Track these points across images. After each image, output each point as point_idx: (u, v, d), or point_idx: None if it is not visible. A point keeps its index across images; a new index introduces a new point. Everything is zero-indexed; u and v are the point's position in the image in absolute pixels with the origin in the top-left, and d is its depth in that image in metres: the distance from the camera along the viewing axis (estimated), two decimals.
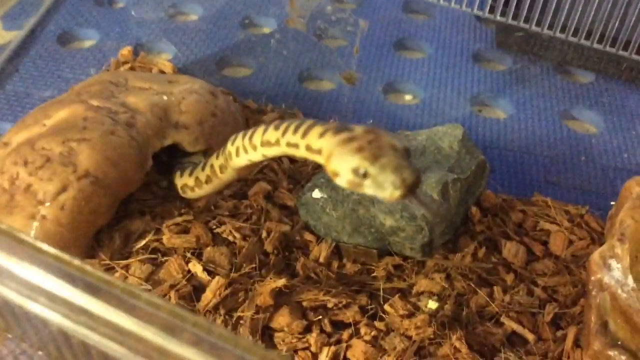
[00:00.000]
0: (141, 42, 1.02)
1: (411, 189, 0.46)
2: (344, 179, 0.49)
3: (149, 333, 0.24)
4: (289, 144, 0.55)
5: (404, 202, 0.66)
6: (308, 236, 0.70)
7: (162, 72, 0.94)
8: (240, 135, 0.60)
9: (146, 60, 0.95)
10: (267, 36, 1.08)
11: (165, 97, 0.72)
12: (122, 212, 0.68)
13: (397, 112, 0.95)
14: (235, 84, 0.97)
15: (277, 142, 0.56)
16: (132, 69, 0.94)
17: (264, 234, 0.68)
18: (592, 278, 0.58)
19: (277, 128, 0.56)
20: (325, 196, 0.70)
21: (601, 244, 0.64)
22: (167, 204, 0.70)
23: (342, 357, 0.57)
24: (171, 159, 0.74)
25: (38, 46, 1.01)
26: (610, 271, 0.58)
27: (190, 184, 0.67)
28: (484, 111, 0.98)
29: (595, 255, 0.59)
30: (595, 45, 0.94)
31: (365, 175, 0.47)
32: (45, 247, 0.27)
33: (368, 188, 0.48)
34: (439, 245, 0.70)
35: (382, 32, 1.10)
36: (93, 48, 1.02)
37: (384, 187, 0.47)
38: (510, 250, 0.69)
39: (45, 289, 0.26)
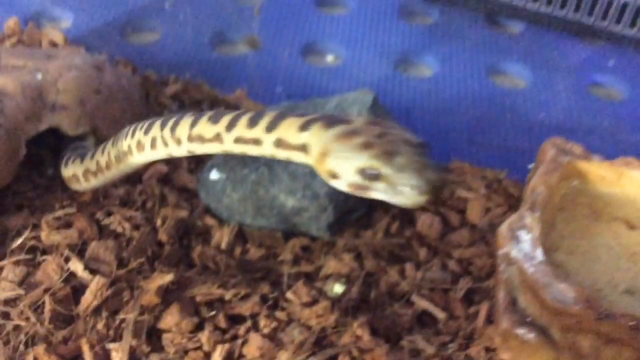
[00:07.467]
0: (32, 11, 0.92)
1: (437, 193, 0.39)
2: (344, 182, 0.42)
3: None
4: (240, 140, 0.47)
5: (306, 180, 0.61)
6: (210, 220, 0.65)
7: (53, 44, 0.85)
8: (157, 124, 0.51)
9: (35, 32, 0.86)
10: None
11: (39, 76, 0.64)
12: None
13: (315, 76, 0.88)
14: (141, 51, 0.89)
15: (218, 138, 0.48)
16: (19, 42, 0.84)
17: (159, 222, 0.62)
18: (500, 252, 0.55)
19: (214, 121, 0.48)
20: (224, 177, 0.64)
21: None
22: (49, 195, 0.63)
23: (237, 354, 0.52)
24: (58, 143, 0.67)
25: None
26: (519, 243, 0.54)
27: (92, 168, 0.59)
28: (410, 69, 0.92)
29: (503, 227, 0.55)
30: None
31: (376, 178, 0.40)
32: None
33: (380, 193, 0.41)
34: (352, 221, 0.66)
35: None
36: None
37: (402, 192, 0.39)
38: (425, 222, 0.65)
39: None
